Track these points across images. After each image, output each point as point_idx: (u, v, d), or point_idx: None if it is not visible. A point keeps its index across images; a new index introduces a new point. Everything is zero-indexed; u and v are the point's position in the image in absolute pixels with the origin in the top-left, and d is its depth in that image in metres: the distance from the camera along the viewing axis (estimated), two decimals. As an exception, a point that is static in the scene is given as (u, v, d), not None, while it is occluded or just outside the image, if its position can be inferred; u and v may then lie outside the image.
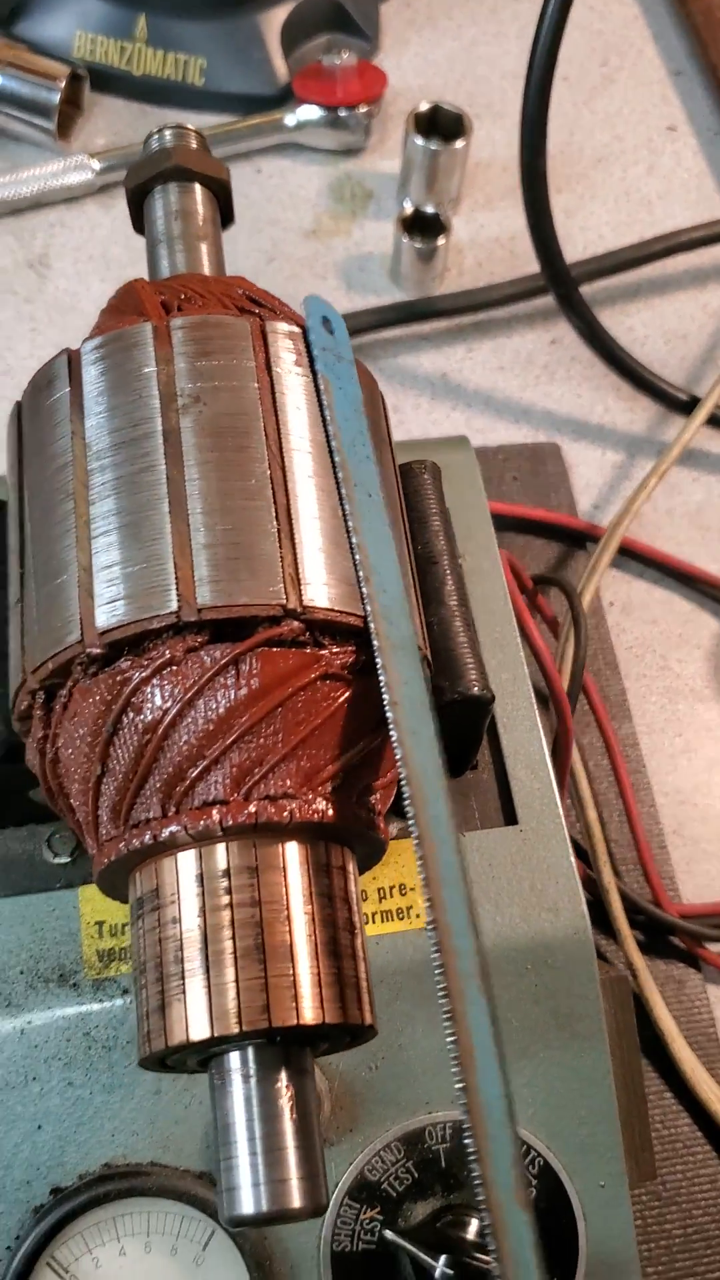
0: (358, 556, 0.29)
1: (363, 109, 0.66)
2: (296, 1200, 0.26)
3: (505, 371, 0.62)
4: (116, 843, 0.28)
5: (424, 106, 0.63)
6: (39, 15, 0.67)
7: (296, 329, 0.32)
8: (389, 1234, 0.35)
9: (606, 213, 0.68)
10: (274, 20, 0.68)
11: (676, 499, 0.60)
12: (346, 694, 0.28)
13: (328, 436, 0.31)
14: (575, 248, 0.65)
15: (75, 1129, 0.35)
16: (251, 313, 0.33)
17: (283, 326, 0.32)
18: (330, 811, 0.28)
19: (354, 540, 0.29)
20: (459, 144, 0.63)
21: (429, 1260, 0.34)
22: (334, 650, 0.29)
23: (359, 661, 0.29)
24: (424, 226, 0.62)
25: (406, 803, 0.27)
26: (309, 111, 0.66)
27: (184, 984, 0.27)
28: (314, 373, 0.31)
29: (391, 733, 0.27)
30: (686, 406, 0.59)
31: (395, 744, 0.27)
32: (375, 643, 0.28)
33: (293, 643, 0.28)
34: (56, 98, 0.63)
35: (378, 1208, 0.36)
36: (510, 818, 0.39)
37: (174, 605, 0.28)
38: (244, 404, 0.30)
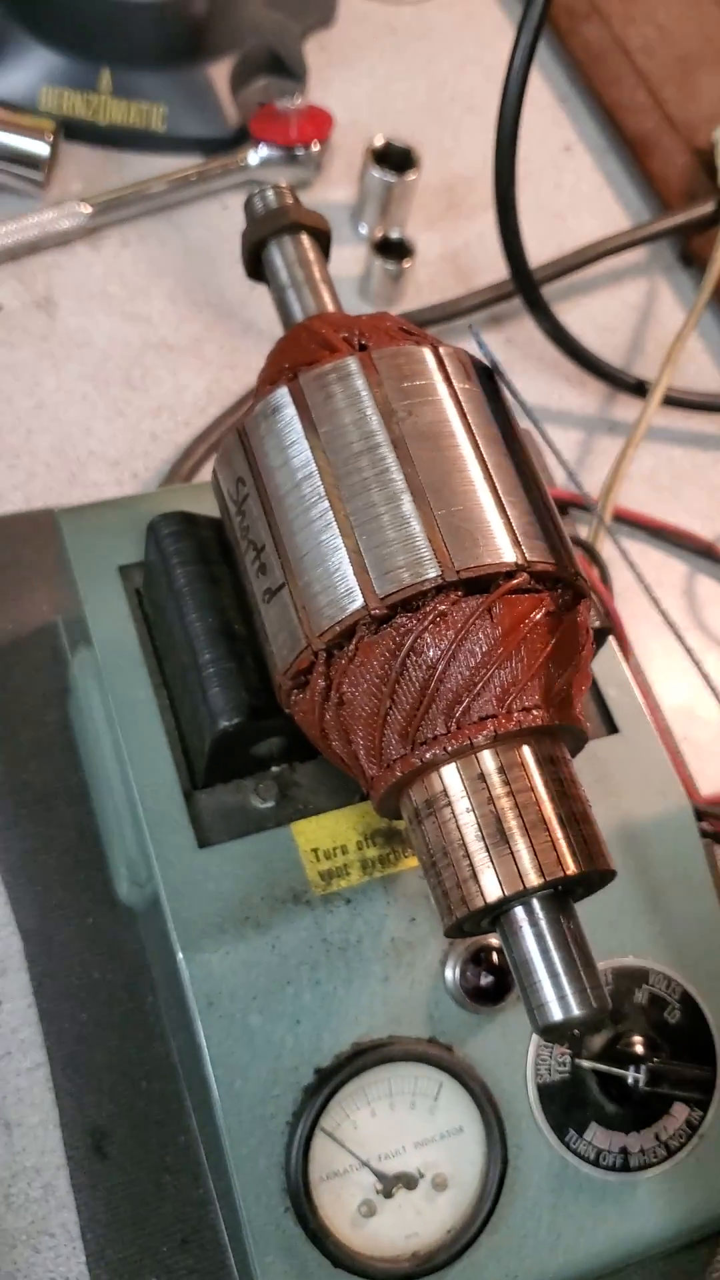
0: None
1: (315, 146, 0.74)
2: (594, 1003, 0.35)
3: (473, 370, 0.72)
4: (409, 759, 0.36)
5: (378, 142, 0.71)
6: (4, 72, 0.72)
7: (450, 348, 0.41)
8: (581, 1062, 0.44)
9: (528, 226, 0.78)
10: (223, 69, 0.75)
11: (634, 466, 0.71)
12: (560, 626, 0.37)
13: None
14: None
15: (326, 1018, 0.43)
16: (413, 340, 0.41)
17: (445, 349, 0.40)
18: (564, 715, 0.37)
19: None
20: (411, 175, 0.72)
21: (620, 1072, 0.44)
22: (549, 594, 0.37)
23: (564, 601, 0.38)
24: (392, 249, 0.71)
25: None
26: (268, 151, 0.74)
27: (490, 855, 0.35)
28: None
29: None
30: (633, 388, 0.70)
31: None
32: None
33: (524, 590, 0.37)
34: (47, 150, 0.69)
35: (566, 1044, 0.45)
36: (611, 728, 0.49)
37: (437, 571, 0.36)
38: (443, 413, 0.39)
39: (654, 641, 0.65)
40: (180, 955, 0.42)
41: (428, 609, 0.36)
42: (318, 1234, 0.41)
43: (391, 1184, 0.43)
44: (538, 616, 0.37)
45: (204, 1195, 0.48)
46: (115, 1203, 0.48)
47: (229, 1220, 0.43)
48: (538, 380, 0.72)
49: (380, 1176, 0.42)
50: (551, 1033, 0.35)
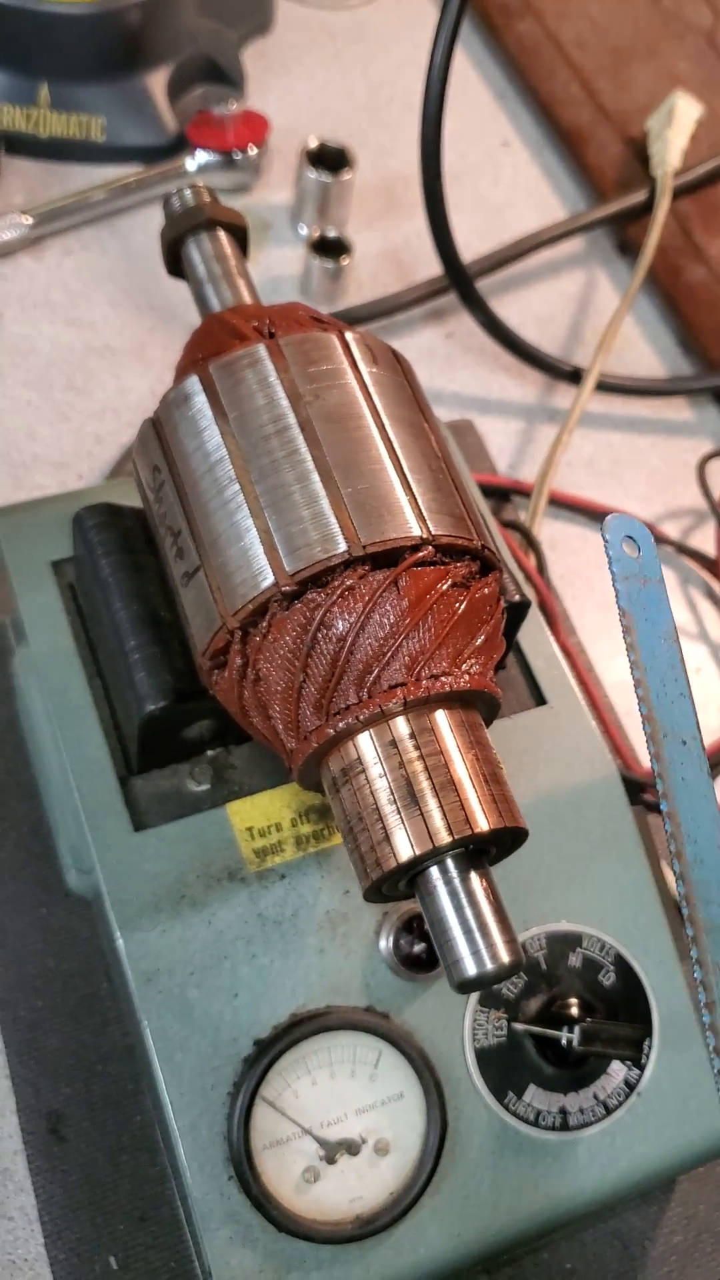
0: (664, 805, 0.36)
1: (253, 150, 0.76)
2: (507, 957, 0.36)
3: (415, 365, 0.73)
4: (323, 729, 0.37)
5: (313, 143, 0.73)
6: (-56, 89, 0.74)
7: (358, 333, 0.42)
8: (517, 1025, 0.46)
9: (469, 221, 0.80)
10: (160, 78, 0.76)
11: (572, 452, 0.72)
12: (468, 595, 0.38)
13: (634, 677, 0.38)
14: (450, 253, 0.77)
15: (264, 991, 0.44)
16: (321, 327, 0.42)
17: (352, 335, 0.42)
18: (474, 681, 0.38)
19: (660, 787, 0.36)
20: (347, 175, 0.73)
21: (555, 1034, 0.45)
22: (456, 565, 0.39)
23: (472, 572, 0.39)
24: (329, 248, 0.72)
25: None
26: (206, 156, 0.75)
27: (401, 817, 0.36)
28: (620, 607, 0.38)
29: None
30: (570, 375, 0.72)
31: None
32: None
33: (429, 563, 0.38)
34: (-13, 164, 0.70)
35: (501, 1009, 0.46)
36: (540, 700, 0.50)
37: (344, 546, 0.37)
38: (349, 396, 0.40)
39: (596, 621, 0.66)
40: (118, 934, 0.43)
41: (336, 584, 0.37)
42: (260, 1200, 0.42)
43: (334, 1150, 0.44)
44: (444, 587, 0.38)
45: (160, 1172, 0.50)
46: (73, 1184, 0.49)
47: (180, 1192, 0.44)
48: (478, 372, 0.74)
49: (323, 1143, 0.43)
50: (468, 988, 0.36)
